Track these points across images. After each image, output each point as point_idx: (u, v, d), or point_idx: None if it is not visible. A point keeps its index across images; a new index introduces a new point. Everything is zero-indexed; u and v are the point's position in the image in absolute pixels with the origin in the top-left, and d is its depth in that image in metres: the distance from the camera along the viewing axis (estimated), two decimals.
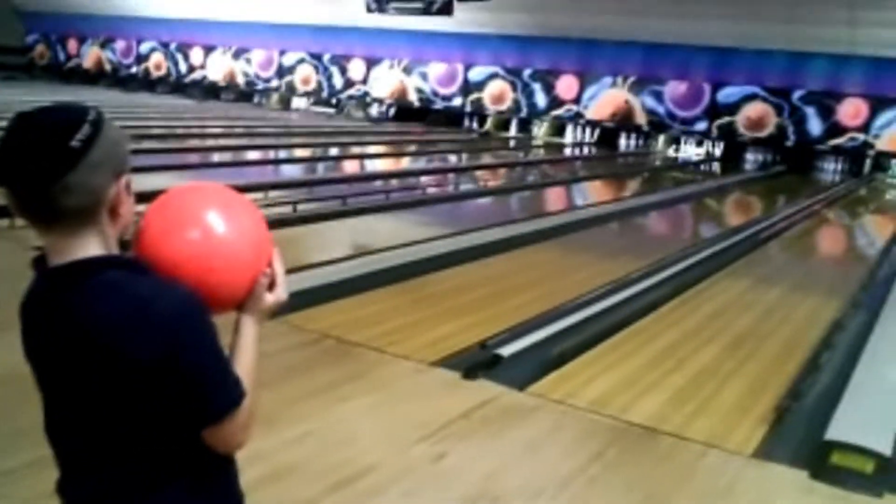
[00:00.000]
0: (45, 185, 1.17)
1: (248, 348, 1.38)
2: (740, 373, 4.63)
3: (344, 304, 5.30)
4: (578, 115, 21.25)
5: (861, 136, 18.06)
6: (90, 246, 1.24)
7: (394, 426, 3.60)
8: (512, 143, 20.61)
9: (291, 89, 25.48)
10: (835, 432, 3.73)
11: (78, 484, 1.33)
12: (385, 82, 23.92)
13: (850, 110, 18.07)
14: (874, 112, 17.84)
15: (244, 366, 1.36)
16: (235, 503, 1.44)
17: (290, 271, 1.44)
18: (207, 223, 1.33)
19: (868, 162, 18.26)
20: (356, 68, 24.37)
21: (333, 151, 15.71)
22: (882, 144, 17.85)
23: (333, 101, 24.81)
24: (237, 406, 1.30)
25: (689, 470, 3.40)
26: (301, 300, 5.06)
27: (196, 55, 27.11)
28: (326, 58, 24.77)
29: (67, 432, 1.32)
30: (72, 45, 29.81)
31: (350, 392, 3.94)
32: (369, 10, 19.31)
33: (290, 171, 13.07)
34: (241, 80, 26.36)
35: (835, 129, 18.27)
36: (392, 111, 23.81)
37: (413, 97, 23.53)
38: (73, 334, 1.23)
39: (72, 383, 1.26)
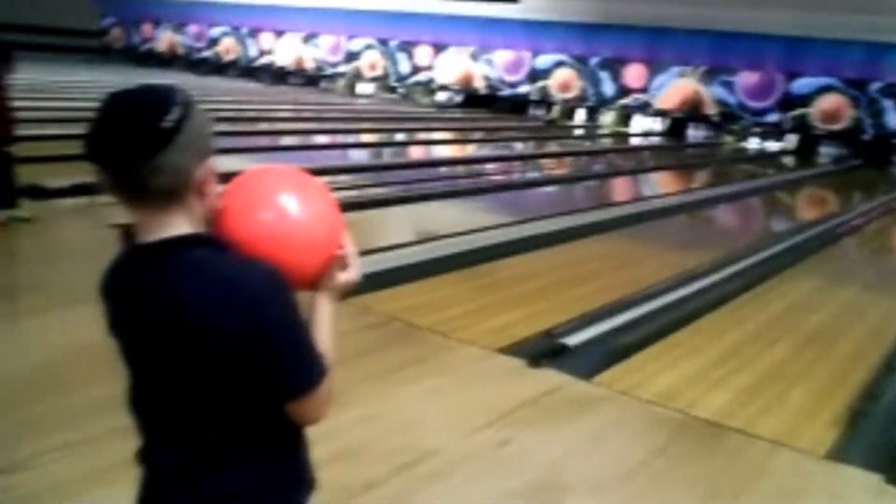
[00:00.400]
0: (137, 165, 1.20)
1: (325, 326, 1.42)
2: (810, 373, 4.52)
3: (410, 288, 5.35)
4: (646, 105, 20.94)
5: None
6: (178, 224, 1.27)
7: (459, 411, 3.62)
8: (578, 132, 20.42)
9: (358, 75, 25.67)
10: None
11: (161, 452, 1.37)
12: (451, 69, 23.92)
13: None
14: None
15: (323, 343, 1.39)
16: (308, 477, 1.48)
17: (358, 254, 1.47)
18: (283, 204, 1.36)
19: None
20: (423, 54, 24.43)
21: (399, 137, 15.81)
22: None
23: (399, 86, 24.92)
24: (320, 381, 1.34)
25: (758, 468, 3.34)
26: (368, 283, 5.13)
27: (266, 40, 27.52)
28: (393, 44, 24.88)
29: (153, 403, 1.36)
30: (146, 28, 30.53)
31: (416, 375, 3.98)
32: None
33: (357, 156, 13.18)
34: (309, 64, 26.67)
35: None
36: (458, 98, 23.80)
37: (479, 84, 23.48)
38: (161, 310, 1.26)
39: (159, 357, 1.30)
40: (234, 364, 1.26)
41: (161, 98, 1.24)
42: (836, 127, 18.65)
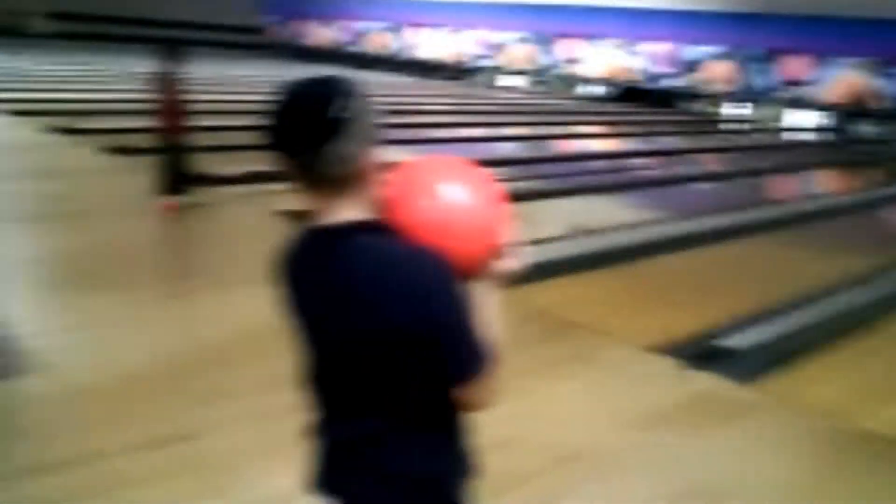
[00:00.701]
0: (308, 153, 1.27)
1: (489, 315, 1.42)
2: None
3: (564, 282, 5.31)
4: (807, 99, 19.87)
5: None
6: (350, 209, 1.33)
7: (613, 410, 3.58)
8: (733, 126, 19.61)
9: (505, 68, 25.72)
10: None
11: (338, 427, 1.44)
12: (602, 61, 23.56)
13: None
14: None
15: (489, 331, 1.40)
16: (471, 462, 1.51)
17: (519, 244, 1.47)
18: (446, 193, 1.40)
19: None
20: (571, 47, 24.18)
21: (549, 130, 15.70)
22: None
23: (548, 79, 24.78)
24: (484, 369, 1.36)
25: None
26: (523, 276, 5.14)
27: (413, 34, 28.03)
28: (541, 37, 24.77)
29: (330, 380, 1.42)
30: (301, 24, 31.77)
31: (571, 371, 3.96)
32: None
33: (507, 149, 13.20)
34: (457, 58, 26.95)
35: None
36: (611, 90, 23.42)
37: (632, 76, 23.02)
38: (334, 291, 1.32)
39: (335, 334, 1.36)
40: (402, 347, 1.31)
41: (330, 90, 1.29)
42: None
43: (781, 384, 3.95)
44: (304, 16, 31.46)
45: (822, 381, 4.04)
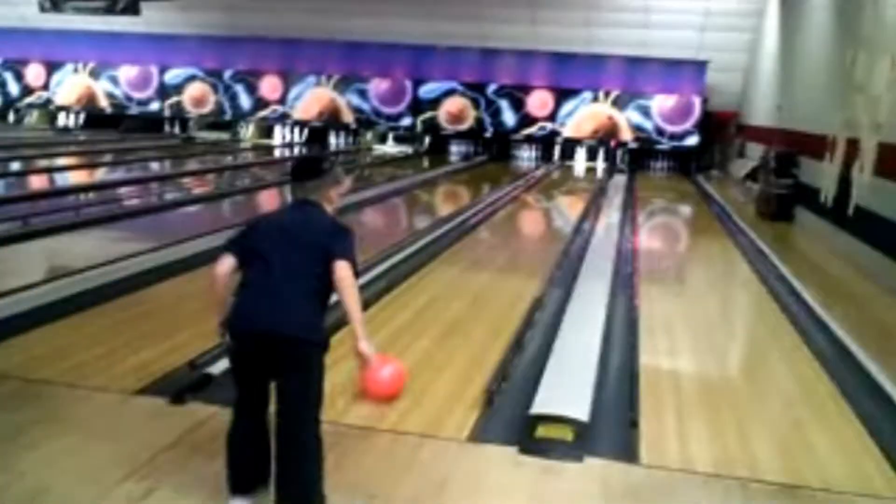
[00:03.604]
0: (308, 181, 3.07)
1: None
2: (452, 360, 4.79)
3: (33, 336, 4.77)
4: (285, 116, 21.08)
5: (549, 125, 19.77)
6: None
7: (95, 467, 3.25)
8: (217, 148, 19.87)
9: None
10: (538, 406, 3.97)
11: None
12: (70, 88, 22.07)
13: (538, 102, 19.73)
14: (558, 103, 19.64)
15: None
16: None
17: None
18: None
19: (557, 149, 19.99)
20: (35, 73, 22.26)
21: (18, 166, 14.18)
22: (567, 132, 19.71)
23: (11, 110, 22.46)
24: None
25: (408, 462, 3.43)
26: None
27: None
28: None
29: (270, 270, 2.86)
30: None
31: (40, 437, 3.50)
32: (43, 9, 17.66)
33: None
34: None
35: (526, 120, 19.82)
36: (81, 119, 22.03)
37: (104, 103, 21.96)
38: (295, 224, 2.98)
39: (291, 245, 2.89)
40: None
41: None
42: (462, 127, 20.28)
43: None
44: None
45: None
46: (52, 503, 2.98)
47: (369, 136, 20.97)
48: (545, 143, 20.00)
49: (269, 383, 2.86)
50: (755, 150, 15.40)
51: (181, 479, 3.19)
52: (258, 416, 2.90)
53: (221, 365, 4.22)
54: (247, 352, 2.84)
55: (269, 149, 20.15)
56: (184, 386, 4.03)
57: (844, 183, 9.29)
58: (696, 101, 19.12)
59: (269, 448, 2.87)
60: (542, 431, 3.72)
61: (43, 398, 3.93)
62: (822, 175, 10.29)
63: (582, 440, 3.68)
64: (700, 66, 18.71)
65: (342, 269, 2.82)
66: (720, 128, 19.38)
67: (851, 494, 3.41)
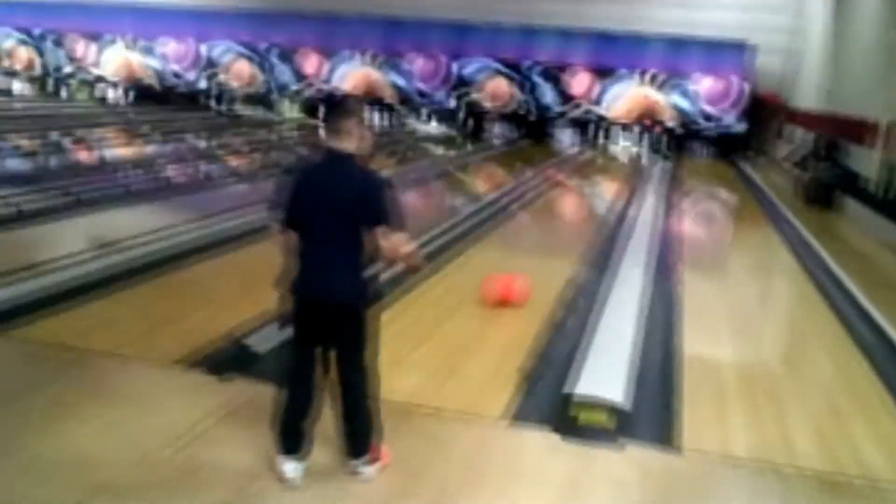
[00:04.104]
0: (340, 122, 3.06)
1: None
2: (492, 341, 4.82)
3: (85, 307, 4.90)
4: (331, 94, 21.09)
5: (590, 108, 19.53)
6: (348, 146, 3.05)
7: (138, 439, 3.34)
8: (260, 123, 19.94)
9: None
10: (578, 390, 3.98)
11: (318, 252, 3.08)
12: (114, 61, 22.36)
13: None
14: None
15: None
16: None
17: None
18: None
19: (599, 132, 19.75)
20: (80, 47, 22.64)
21: (63, 139, 14.41)
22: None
23: (56, 82, 22.87)
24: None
25: (448, 443, 3.47)
26: (30, 309, 4.64)
27: None
28: (41, 34, 22.83)
29: (316, 230, 3.07)
30: None
31: (90, 408, 3.61)
32: None
33: (13, 164, 11.74)
34: None
35: (567, 101, 19.60)
36: (127, 92, 22.34)
37: (149, 77, 22.23)
38: (334, 180, 3.01)
39: (329, 206, 3.00)
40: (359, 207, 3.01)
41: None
42: (503, 107, 20.09)
43: None
44: None
45: None
46: (99, 469, 3.08)
47: (412, 117, 20.90)
48: (586, 125, 19.73)
49: (320, 350, 3.07)
50: (794, 133, 15.10)
51: (223, 451, 3.27)
52: (310, 382, 3.08)
53: (265, 341, 4.32)
54: (308, 318, 3.03)
55: (314, 126, 20.21)
56: (228, 361, 4.11)
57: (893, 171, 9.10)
58: (743, 85, 18.48)
59: (316, 412, 3.11)
60: (583, 418, 3.72)
61: (93, 368, 4.04)
62: (871, 162, 10.09)
63: (622, 426, 3.69)
64: (745, 48, 17.99)
65: (383, 236, 2.98)
66: (772, 113, 18.75)
67: (890, 483, 3.39)
